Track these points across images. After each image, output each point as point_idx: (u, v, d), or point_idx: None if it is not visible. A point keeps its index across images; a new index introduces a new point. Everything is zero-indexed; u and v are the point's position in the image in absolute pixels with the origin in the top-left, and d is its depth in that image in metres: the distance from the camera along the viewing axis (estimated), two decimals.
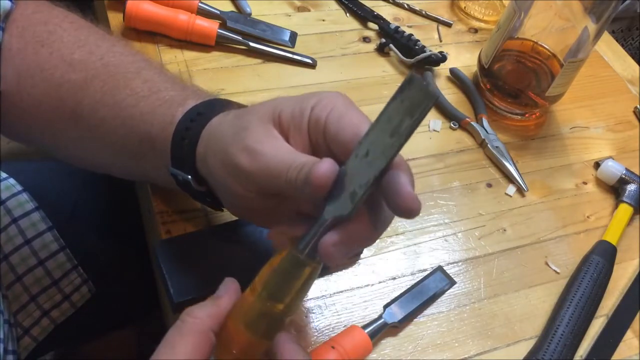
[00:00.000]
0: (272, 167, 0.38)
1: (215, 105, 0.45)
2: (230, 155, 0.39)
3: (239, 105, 0.46)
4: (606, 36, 0.87)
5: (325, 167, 0.35)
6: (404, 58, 0.73)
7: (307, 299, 0.53)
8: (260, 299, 0.37)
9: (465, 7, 0.83)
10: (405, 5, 0.82)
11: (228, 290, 0.39)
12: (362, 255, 0.56)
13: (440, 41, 0.79)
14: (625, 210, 0.65)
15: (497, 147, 0.68)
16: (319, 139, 0.39)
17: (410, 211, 0.35)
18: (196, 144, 0.43)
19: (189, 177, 0.44)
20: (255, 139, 0.39)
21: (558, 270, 0.60)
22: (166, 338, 0.37)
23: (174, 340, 0.36)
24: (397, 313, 0.52)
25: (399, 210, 0.36)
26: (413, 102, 0.34)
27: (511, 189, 0.66)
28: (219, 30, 0.68)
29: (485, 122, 0.70)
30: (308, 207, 0.41)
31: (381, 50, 0.75)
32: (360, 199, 0.36)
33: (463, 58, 0.78)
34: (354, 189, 0.36)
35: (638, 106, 0.78)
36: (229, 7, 0.73)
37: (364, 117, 0.38)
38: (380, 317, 0.52)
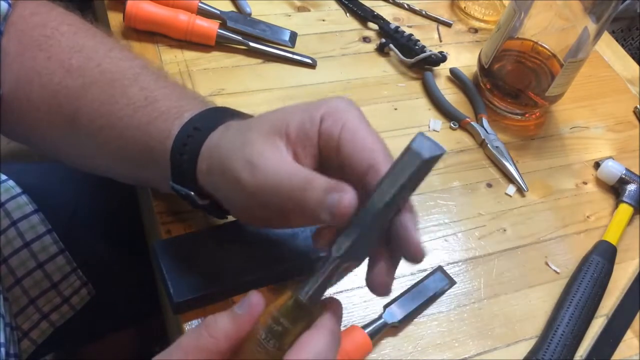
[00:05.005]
0: (272, 183, 0.38)
1: (211, 118, 0.44)
2: (232, 170, 0.39)
3: (238, 114, 0.46)
4: (606, 36, 0.87)
5: (350, 197, 0.35)
6: (404, 58, 0.73)
7: None
8: (263, 344, 0.36)
9: (465, 7, 0.83)
10: (405, 5, 0.82)
11: (250, 307, 0.37)
12: None
13: (440, 41, 0.79)
14: (625, 210, 0.65)
15: (497, 147, 0.68)
16: (331, 154, 0.39)
17: (416, 259, 0.37)
18: (196, 160, 0.43)
19: (192, 192, 0.44)
20: (258, 152, 0.39)
21: (558, 270, 0.60)
22: (180, 343, 0.36)
23: (188, 348, 0.36)
24: (397, 313, 0.52)
25: (406, 257, 0.37)
26: (410, 162, 0.35)
27: (511, 189, 0.65)
28: (219, 30, 0.68)
29: (485, 122, 0.70)
30: None
31: (381, 50, 0.75)
32: (371, 245, 0.37)
33: (463, 58, 0.78)
34: (365, 234, 0.36)
35: (638, 106, 0.78)
36: (229, 7, 0.73)
37: (377, 141, 0.39)
38: (380, 317, 0.52)
